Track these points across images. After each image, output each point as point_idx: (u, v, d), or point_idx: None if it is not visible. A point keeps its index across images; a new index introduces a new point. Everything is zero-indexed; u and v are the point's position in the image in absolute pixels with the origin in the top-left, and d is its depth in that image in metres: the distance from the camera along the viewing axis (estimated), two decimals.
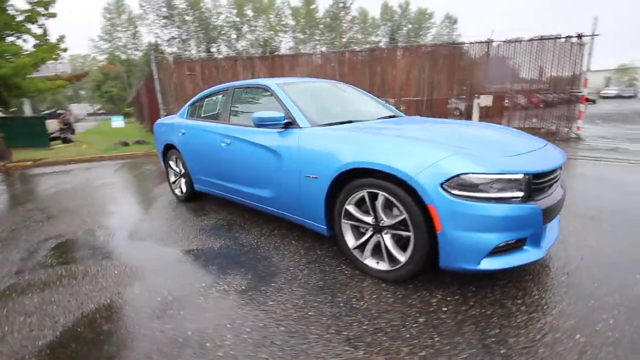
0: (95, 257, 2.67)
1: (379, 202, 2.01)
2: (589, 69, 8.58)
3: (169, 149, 4.11)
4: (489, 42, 9.02)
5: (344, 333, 1.66)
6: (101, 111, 44.79)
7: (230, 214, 3.53)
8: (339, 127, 2.48)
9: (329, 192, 2.25)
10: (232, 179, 3.12)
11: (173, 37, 37.20)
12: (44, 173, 6.79)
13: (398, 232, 1.98)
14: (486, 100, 8.83)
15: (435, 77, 9.54)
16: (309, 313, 1.83)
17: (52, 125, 12.67)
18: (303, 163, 2.36)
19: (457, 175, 1.71)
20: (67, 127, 13.56)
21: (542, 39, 8.66)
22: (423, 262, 1.89)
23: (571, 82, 8.71)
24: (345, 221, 2.23)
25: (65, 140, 11.78)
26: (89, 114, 45.26)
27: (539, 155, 1.99)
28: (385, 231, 2.06)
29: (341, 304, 1.89)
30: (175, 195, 4.19)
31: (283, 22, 40.32)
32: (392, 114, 3.19)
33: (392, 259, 2.04)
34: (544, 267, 2.19)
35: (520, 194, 1.74)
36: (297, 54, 10.55)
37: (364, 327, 1.69)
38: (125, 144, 9.48)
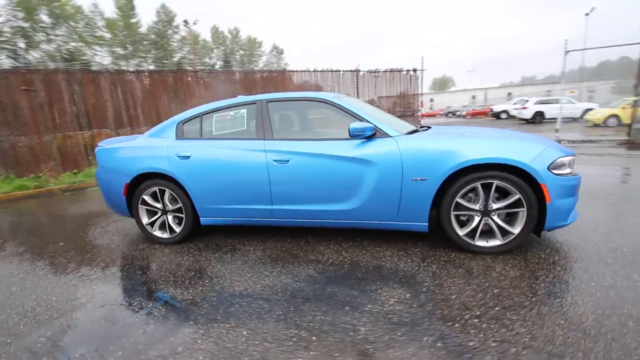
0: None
1: (492, 190, 2.46)
2: (421, 93, 11.75)
3: (143, 179, 3.15)
4: (357, 71, 10.93)
5: (540, 293, 2.01)
6: None
7: (265, 241, 3.10)
8: (426, 133, 2.79)
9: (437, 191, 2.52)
10: (289, 200, 2.82)
11: None
12: None
13: (509, 211, 2.49)
14: None
15: None
16: (494, 291, 2.07)
17: None
18: (409, 167, 2.53)
19: (556, 159, 2.39)
20: None
21: (392, 71, 11.25)
22: (532, 229, 2.47)
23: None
24: (455, 213, 2.56)
25: None
26: None
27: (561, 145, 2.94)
28: (493, 213, 2.52)
29: (501, 278, 2.22)
30: (156, 238, 3.24)
31: (98, 34, 33.79)
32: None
33: (504, 234, 2.52)
34: None
35: (570, 170, 2.58)
36: (182, 70, 9.50)
37: (542, 284, 2.10)
38: None
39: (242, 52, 49.62)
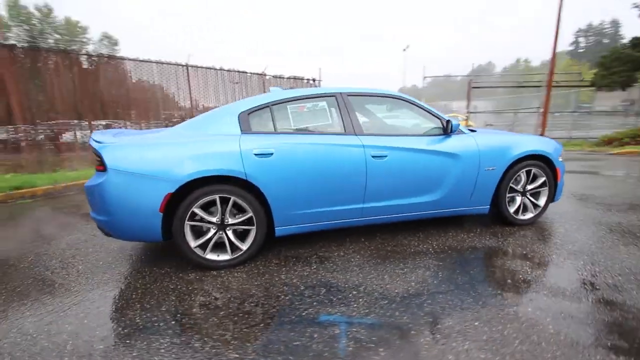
0: None
1: (531, 175, 3.20)
2: None
3: (196, 186, 2.37)
4: (264, 75, 10.75)
5: (608, 234, 2.82)
6: None
7: (341, 245, 2.89)
8: (486, 131, 3.31)
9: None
10: (382, 196, 2.77)
11: None
12: None
13: (536, 190, 3.28)
14: None
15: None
16: (580, 243, 2.75)
17: None
18: (484, 159, 2.96)
19: (561, 151, 3.34)
20: None
21: (295, 78, 11.63)
22: (550, 202, 3.34)
23: None
24: (508, 195, 3.16)
25: None
26: None
27: None
28: (527, 193, 3.27)
29: (570, 236, 2.94)
30: (211, 263, 2.50)
31: None
32: None
33: (535, 209, 3.30)
34: None
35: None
36: (49, 49, 6.89)
37: (599, 232, 2.93)
38: None
39: (57, 35, 38.94)
